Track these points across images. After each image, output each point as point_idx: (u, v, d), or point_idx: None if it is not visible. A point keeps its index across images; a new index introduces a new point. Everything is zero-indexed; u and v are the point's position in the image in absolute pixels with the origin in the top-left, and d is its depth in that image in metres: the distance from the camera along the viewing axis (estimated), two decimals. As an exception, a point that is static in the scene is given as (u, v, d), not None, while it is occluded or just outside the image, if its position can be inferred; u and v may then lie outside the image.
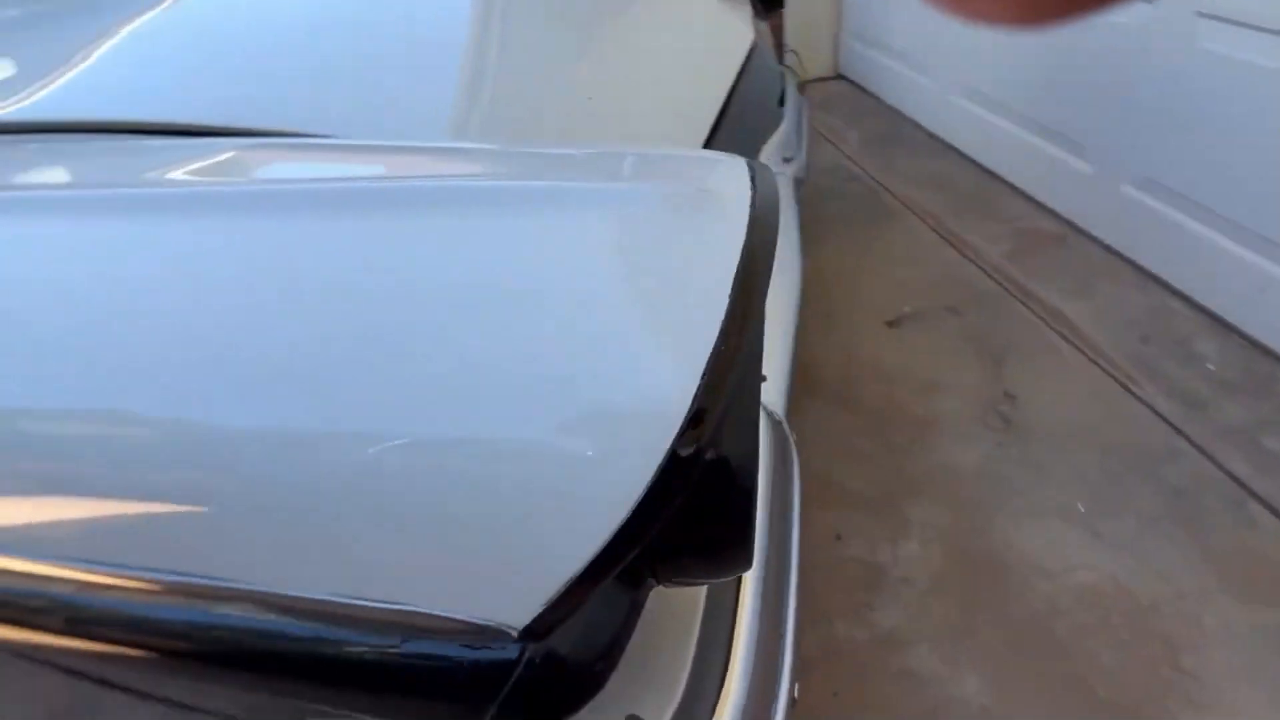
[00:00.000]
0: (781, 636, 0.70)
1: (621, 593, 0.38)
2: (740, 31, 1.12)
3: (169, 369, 0.31)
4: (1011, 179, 2.04)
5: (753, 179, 0.35)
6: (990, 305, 1.56)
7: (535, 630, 0.32)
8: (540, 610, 0.31)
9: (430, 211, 0.35)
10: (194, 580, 0.31)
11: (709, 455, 0.30)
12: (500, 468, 0.29)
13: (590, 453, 0.29)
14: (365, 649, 0.35)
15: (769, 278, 0.38)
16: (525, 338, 0.29)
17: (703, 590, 0.68)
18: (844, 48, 2.92)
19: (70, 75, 0.69)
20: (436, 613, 0.33)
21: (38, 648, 0.35)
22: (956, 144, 2.27)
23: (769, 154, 1.41)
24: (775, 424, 0.88)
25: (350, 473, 0.30)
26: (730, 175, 0.36)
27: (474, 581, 0.31)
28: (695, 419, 0.28)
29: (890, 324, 1.50)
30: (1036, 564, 1.03)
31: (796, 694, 0.70)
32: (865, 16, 2.72)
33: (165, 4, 0.77)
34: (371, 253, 0.35)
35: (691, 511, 0.36)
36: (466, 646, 0.34)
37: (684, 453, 0.28)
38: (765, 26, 1.59)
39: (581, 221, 0.34)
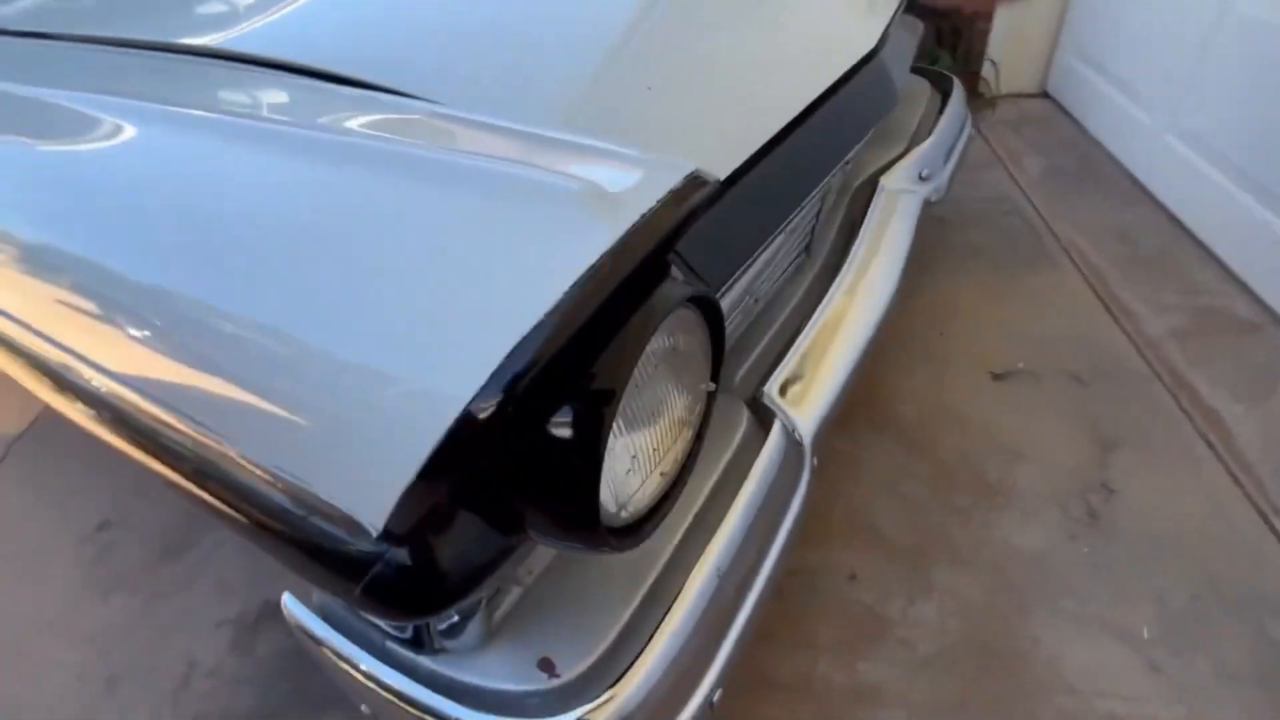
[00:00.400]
0: (721, 637, 0.72)
1: (491, 533, 0.43)
2: (854, 36, 1.05)
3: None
4: (1210, 243, 1.71)
5: (678, 190, 0.36)
6: (1126, 385, 1.35)
7: (392, 532, 0.38)
8: (391, 509, 0.37)
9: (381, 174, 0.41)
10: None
11: (521, 425, 0.33)
12: (359, 381, 0.35)
13: (411, 388, 0.33)
14: (277, 510, 0.43)
15: (655, 281, 0.39)
16: (404, 285, 0.35)
17: (653, 567, 0.71)
18: (1058, 63, 2.58)
19: (266, 19, 0.83)
20: (322, 496, 0.40)
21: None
22: (1155, 191, 1.94)
23: (905, 169, 1.32)
24: (793, 441, 0.86)
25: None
26: (651, 181, 0.37)
27: (342, 474, 0.38)
28: (505, 388, 0.31)
29: (996, 376, 1.36)
30: (1063, 674, 0.92)
31: (717, 700, 0.71)
32: (1092, 29, 2.37)
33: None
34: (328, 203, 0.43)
35: (535, 475, 0.39)
36: (341, 531, 0.40)
37: (480, 415, 0.32)
38: (917, 25, 1.47)
39: (456, 194, 0.38)
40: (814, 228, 1.10)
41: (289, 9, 0.87)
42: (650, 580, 0.70)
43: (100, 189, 0.57)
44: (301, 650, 0.72)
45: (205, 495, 0.47)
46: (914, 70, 1.65)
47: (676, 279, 0.44)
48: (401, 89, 0.66)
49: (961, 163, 1.49)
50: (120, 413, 0.49)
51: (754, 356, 0.98)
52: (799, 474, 0.86)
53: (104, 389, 0.50)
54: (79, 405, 0.55)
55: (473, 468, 0.35)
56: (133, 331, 0.48)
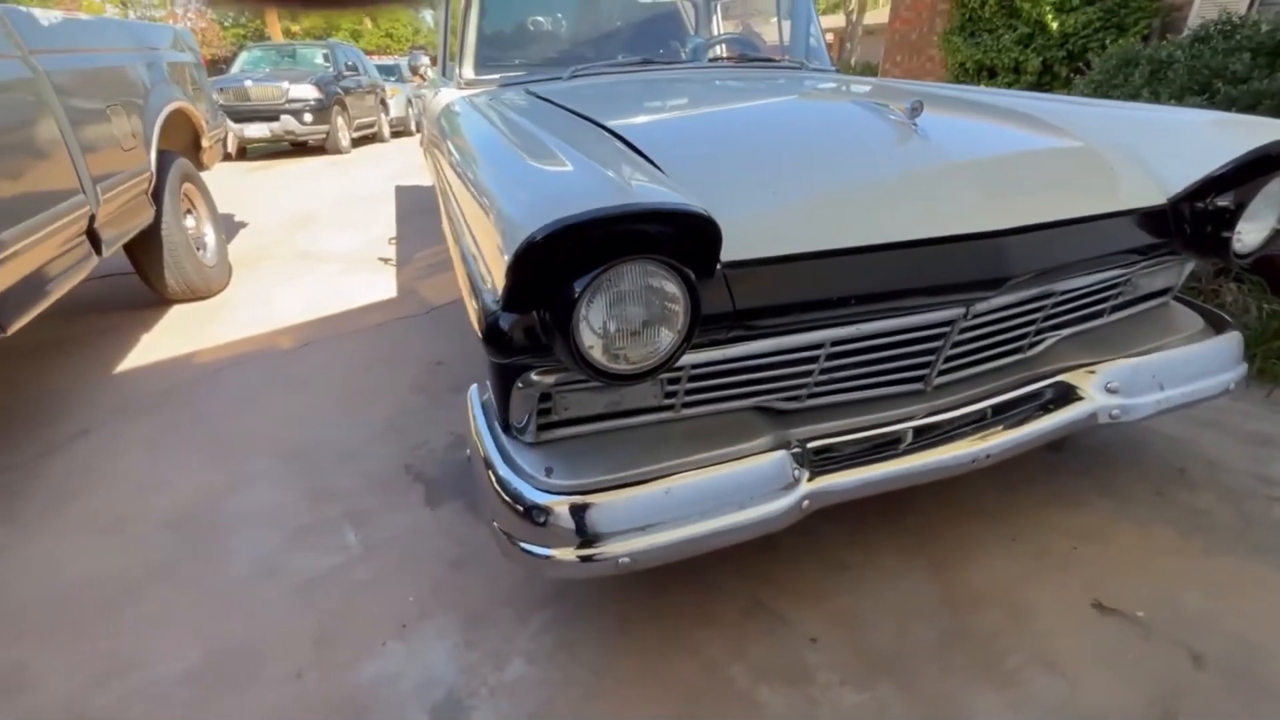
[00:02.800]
0: (644, 530, 1.02)
1: (536, 331, 0.90)
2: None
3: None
4: None
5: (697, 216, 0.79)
6: (1244, 693, 1.06)
7: (500, 304, 0.89)
8: (502, 290, 0.87)
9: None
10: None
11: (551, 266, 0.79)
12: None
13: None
14: (477, 287, 0.98)
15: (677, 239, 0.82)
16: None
17: (632, 467, 1.06)
18: None
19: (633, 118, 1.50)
20: (487, 281, 0.93)
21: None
22: None
23: (1097, 373, 1.34)
24: (791, 470, 1.11)
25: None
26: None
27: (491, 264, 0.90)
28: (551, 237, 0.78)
29: (1100, 607, 1.23)
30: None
31: (624, 563, 1.03)
32: None
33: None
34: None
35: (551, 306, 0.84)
36: (489, 299, 0.93)
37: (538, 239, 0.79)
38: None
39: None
40: (932, 365, 1.28)
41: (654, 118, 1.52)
42: (626, 470, 1.06)
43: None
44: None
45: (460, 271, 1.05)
46: (1190, 303, 1.58)
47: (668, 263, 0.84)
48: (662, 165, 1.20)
49: (1190, 405, 1.40)
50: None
51: (819, 425, 1.23)
52: (781, 494, 1.10)
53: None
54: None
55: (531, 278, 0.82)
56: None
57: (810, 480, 1.14)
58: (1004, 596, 1.27)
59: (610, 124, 1.32)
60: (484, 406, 1.21)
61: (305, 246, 4.07)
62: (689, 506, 1.05)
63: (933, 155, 1.23)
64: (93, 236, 2.06)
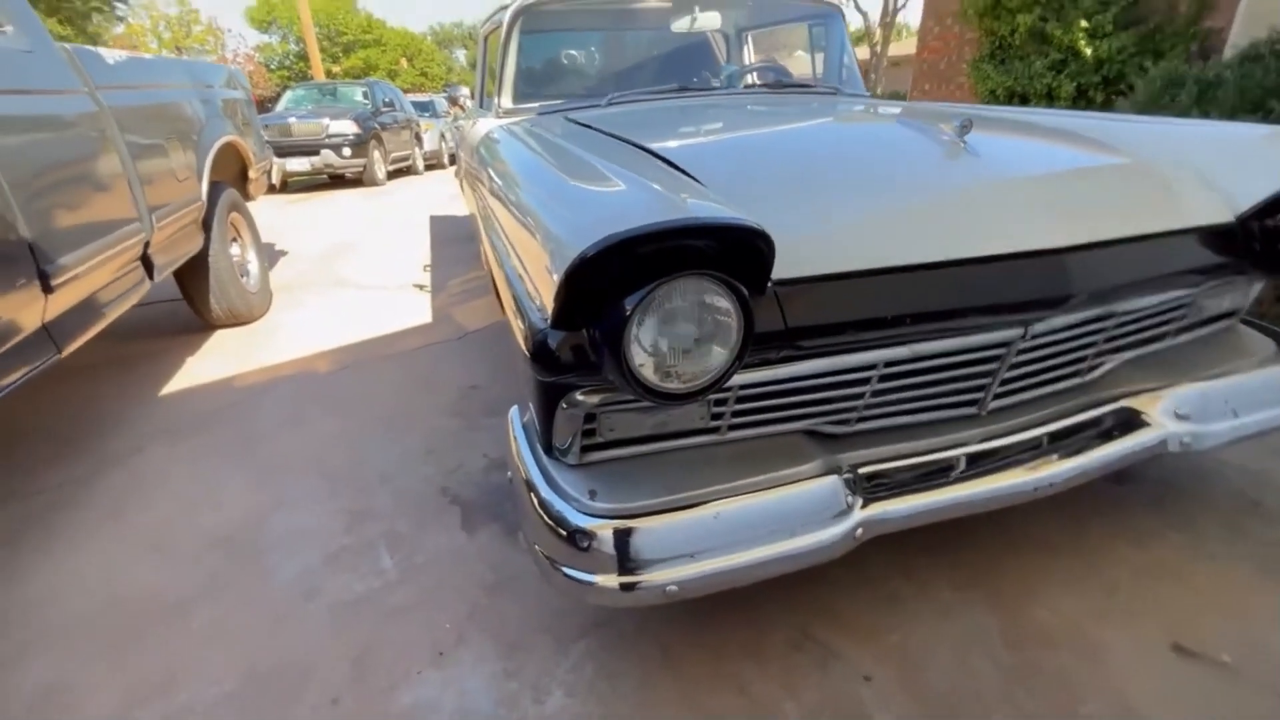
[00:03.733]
0: (693, 557, 0.99)
1: (585, 351, 0.88)
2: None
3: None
4: None
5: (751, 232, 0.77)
6: None
7: (549, 324, 0.88)
8: (552, 311, 0.86)
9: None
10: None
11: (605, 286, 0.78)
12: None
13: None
14: (523, 306, 0.98)
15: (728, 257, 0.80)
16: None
17: (679, 491, 1.03)
18: None
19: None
20: (535, 301, 0.93)
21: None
22: None
23: (1165, 399, 1.27)
24: (843, 496, 1.06)
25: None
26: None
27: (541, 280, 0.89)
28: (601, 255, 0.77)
29: (1181, 650, 1.14)
30: None
31: (670, 590, 0.99)
32: None
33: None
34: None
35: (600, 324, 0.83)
36: (537, 317, 0.92)
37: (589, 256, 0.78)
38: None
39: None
40: (986, 389, 1.23)
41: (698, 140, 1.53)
42: (674, 494, 1.03)
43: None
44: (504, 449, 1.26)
45: (503, 294, 1.05)
46: (1259, 326, 1.50)
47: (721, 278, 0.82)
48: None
49: (1266, 433, 1.32)
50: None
51: (869, 450, 1.18)
52: (833, 522, 1.06)
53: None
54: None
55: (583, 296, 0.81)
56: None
57: (864, 507, 1.09)
58: (1073, 636, 1.20)
59: (653, 146, 1.32)
60: (525, 428, 1.19)
61: (343, 274, 4.17)
62: (738, 533, 1.01)
63: (987, 172, 1.20)
64: (146, 262, 2.13)
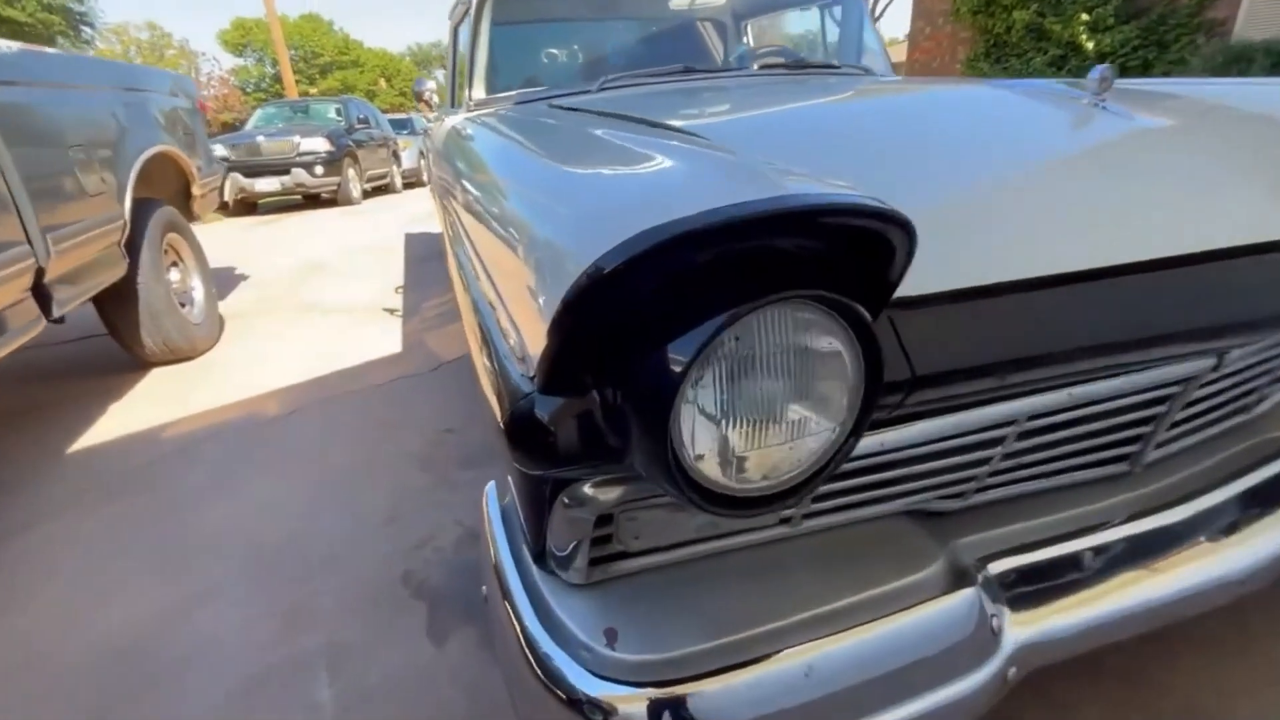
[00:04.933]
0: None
1: (594, 430, 0.53)
2: None
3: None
4: None
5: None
6: None
7: (537, 391, 0.52)
8: (541, 369, 0.50)
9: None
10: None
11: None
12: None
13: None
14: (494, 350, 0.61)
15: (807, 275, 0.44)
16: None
17: (747, 625, 0.68)
18: None
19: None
20: (511, 349, 0.56)
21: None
22: None
23: None
24: (985, 624, 0.72)
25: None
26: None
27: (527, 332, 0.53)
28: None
29: None
30: None
31: None
32: None
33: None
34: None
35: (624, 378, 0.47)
36: (513, 372, 0.55)
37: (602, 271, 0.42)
38: None
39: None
40: (1147, 439, 0.89)
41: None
42: (737, 633, 0.67)
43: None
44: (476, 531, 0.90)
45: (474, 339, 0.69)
46: None
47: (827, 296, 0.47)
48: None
49: None
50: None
51: (999, 530, 0.84)
52: (976, 660, 0.70)
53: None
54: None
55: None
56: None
57: (1013, 622, 0.74)
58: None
59: (675, 123, 0.97)
60: (504, 515, 0.83)
61: (309, 299, 3.78)
62: (842, 696, 0.65)
63: (1164, 144, 0.87)
64: (40, 294, 1.74)
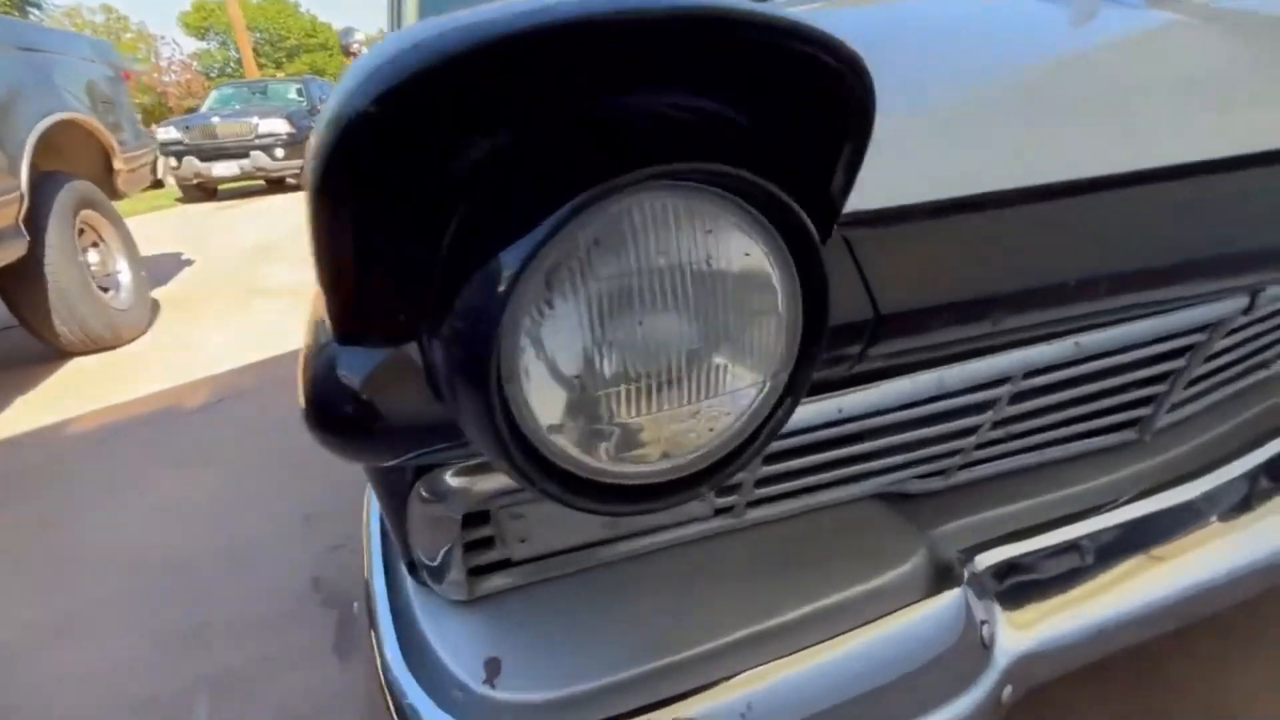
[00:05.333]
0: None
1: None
2: None
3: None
4: None
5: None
6: None
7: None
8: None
9: None
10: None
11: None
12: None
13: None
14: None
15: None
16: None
17: (677, 649, 0.53)
18: None
19: None
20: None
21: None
22: None
23: None
24: (973, 633, 0.57)
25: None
26: None
27: None
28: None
29: None
30: None
31: None
32: None
33: None
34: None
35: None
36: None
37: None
38: None
39: None
40: (1161, 400, 0.74)
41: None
42: (657, 660, 0.51)
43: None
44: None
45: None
46: None
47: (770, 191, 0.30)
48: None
49: None
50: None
51: (988, 514, 0.69)
52: (961, 688, 0.55)
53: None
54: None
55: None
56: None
57: (1008, 628, 0.59)
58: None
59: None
60: (383, 523, 0.67)
61: (255, 281, 3.56)
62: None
63: (1190, 37, 0.71)
64: (-96, 274, 1.53)
